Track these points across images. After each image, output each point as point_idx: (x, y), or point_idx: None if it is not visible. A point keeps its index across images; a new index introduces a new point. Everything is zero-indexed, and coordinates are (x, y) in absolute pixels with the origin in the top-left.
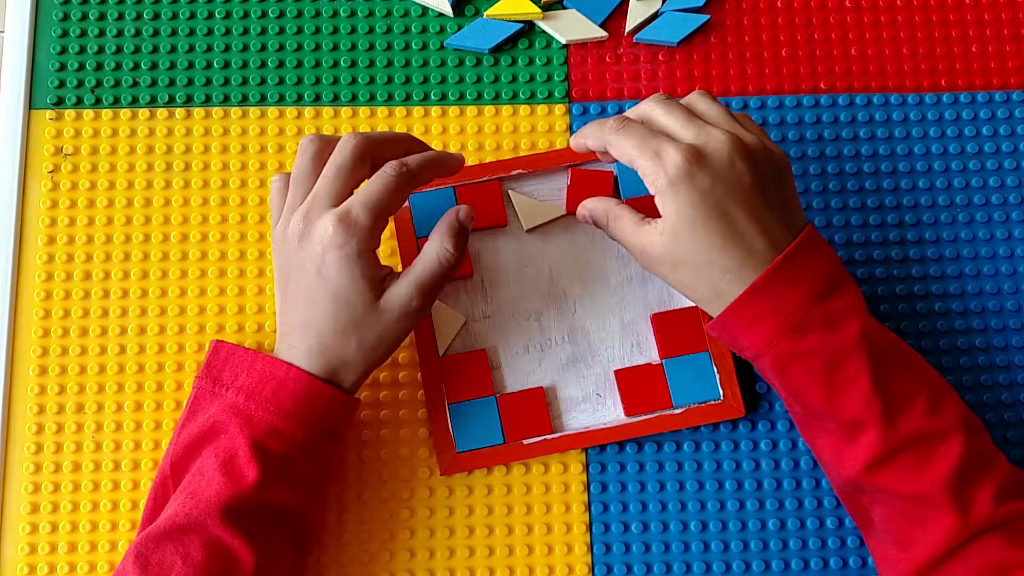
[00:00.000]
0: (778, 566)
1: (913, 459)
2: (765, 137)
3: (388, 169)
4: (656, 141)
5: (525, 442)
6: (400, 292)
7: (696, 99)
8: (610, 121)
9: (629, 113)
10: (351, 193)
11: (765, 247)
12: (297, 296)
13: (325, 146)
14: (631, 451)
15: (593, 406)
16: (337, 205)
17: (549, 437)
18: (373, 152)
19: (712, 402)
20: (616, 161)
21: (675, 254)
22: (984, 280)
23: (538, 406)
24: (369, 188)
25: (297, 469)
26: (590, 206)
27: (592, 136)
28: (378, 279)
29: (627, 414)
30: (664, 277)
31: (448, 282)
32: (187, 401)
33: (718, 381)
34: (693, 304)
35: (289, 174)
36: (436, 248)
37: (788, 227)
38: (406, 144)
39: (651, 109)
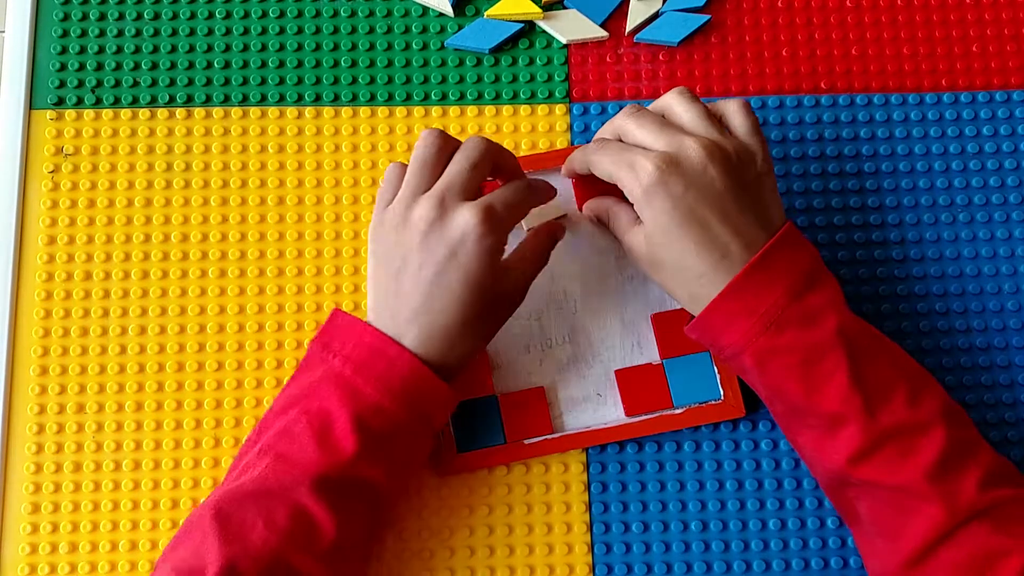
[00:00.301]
0: (779, 566)
1: (896, 450)
2: (752, 133)
3: (521, 183)
4: (630, 154)
5: (526, 442)
6: (517, 281)
7: (673, 101)
8: (591, 144)
9: (603, 130)
10: (478, 191)
11: (740, 249)
12: (418, 280)
13: (447, 142)
14: (632, 451)
15: (594, 406)
16: (469, 199)
17: (550, 437)
18: (496, 159)
19: (713, 402)
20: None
21: (654, 258)
22: (984, 280)
23: (539, 406)
24: (509, 193)
25: (392, 450)
26: (592, 206)
27: (576, 160)
28: (505, 272)
29: (628, 414)
30: (652, 278)
31: None
32: (299, 365)
33: (719, 381)
34: None
35: (405, 164)
36: (544, 248)
37: (764, 227)
38: (513, 160)
39: (624, 123)
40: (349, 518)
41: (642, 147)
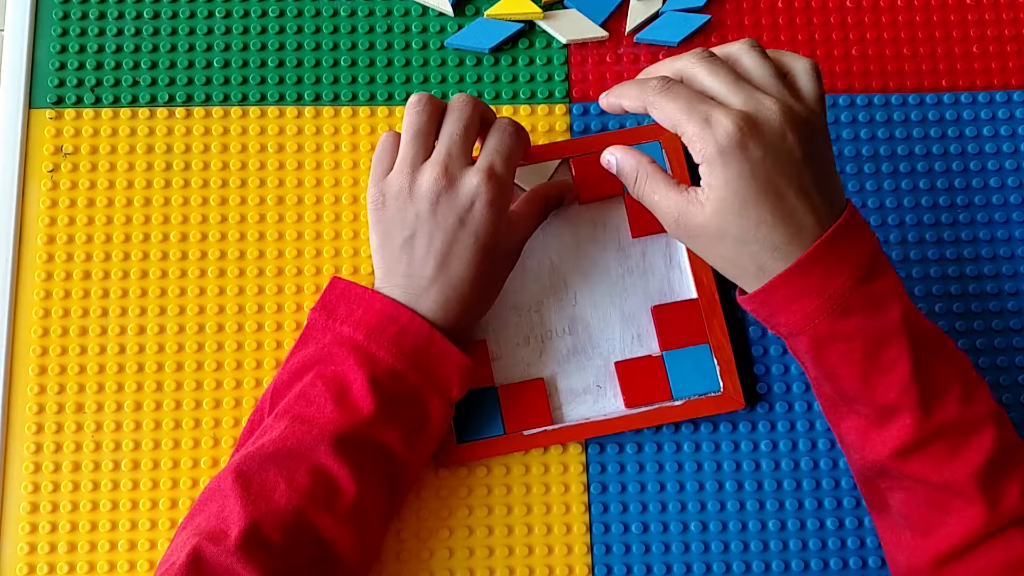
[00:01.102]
0: (778, 567)
1: (945, 448)
2: (820, 99)
3: (507, 124)
4: (705, 107)
5: (525, 433)
6: (515, 242)
7: (742, 52)
8: (652, 81)
9: (667, 71)
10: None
11: (813, 224)
12: (431, 250)
13: (437, 107)
14: (631, 451)
15: (593, 397)
16: (468, 162)
17: (549, 428)
18: (484, 113)
19: (712, 394)
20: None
21: (720, 228)
22: (984, 281)
23: (538, 397)
24: (501, 143)
25: (407, 414)
26: (619, 157)
27: (631, 96)
28: (508, 226)
29: (627, 406)
30: (699, 249)
31: None
32: (300, 335)
33: (718, 373)
34: (694, 296)
35: (398, 133)
36: (540, 213)
37: (833, 204)
38: (491, 111)
39: (693, 68)
40: (368, 479)
41: (714, 99)
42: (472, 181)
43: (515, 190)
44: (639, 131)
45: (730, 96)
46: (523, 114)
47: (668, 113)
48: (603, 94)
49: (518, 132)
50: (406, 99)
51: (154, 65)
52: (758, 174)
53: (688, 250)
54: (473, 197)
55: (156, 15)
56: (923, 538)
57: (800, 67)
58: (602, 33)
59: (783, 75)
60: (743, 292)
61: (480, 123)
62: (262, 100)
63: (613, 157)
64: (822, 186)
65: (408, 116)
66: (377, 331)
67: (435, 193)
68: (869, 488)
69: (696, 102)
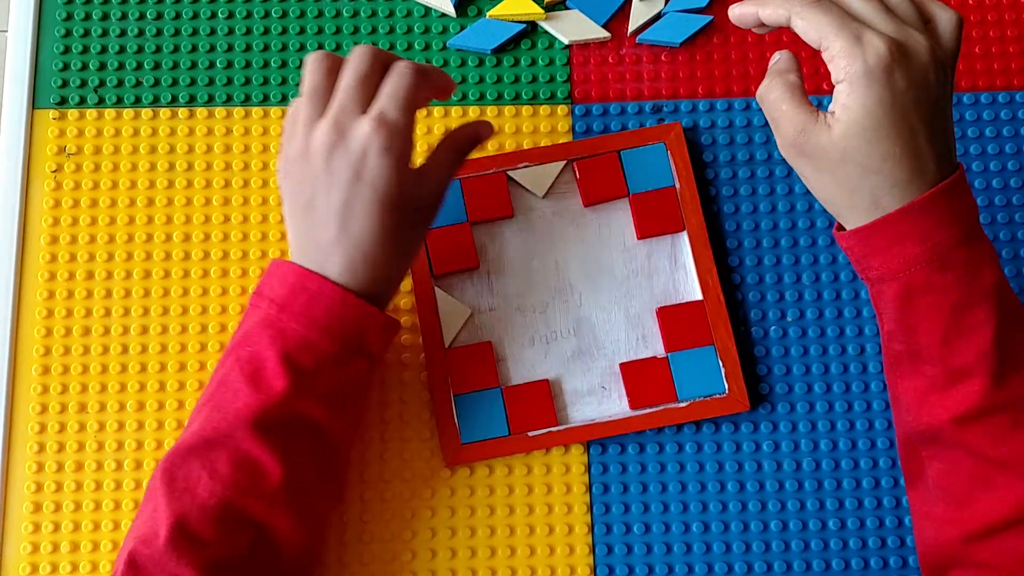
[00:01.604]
0: (780, 568)
1: (1009, 422)
2: (957, 50)
3: (403, 67)
4: (857, 25)
5: (530, 434)
6: (428, 194)
7: None
8: None
9: None
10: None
11: (934, 171)
12: (330, 210)
13: (335, 62)
14: (633, 452)
15: (598, 399)
16: (364, 112)
17: (554, 429)
18: (386, 62)
19: (717, 396)
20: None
21: (845, 152)
22: None
23: (543, 398)
24: (395, 87)
25: (328, 384)
26: (780, 55)
27: (773, 5)
28: (415, 178)
29: (632, 407)
30: (810, 172)
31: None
32: None
33: (723, 375)
34: (699, 298)
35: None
36: (452, 160)
37: (950, 158)
38: (397, 56)
39: None
40: (294, 458)
41: (863, 22)
42: (362, 131)
43: (511, 182)
44: (644, 132)
45: (881, 23)
46: (525, 115)
47: (817, 24)
48: (734, 6)
49: (416, 73)
50: None
51: (157, 66)
52: (897, 105)
53: (693, 252)
54: (365, 147)
55: (159, 16)
56: (957, 511)
57: (945, 17)
58: (604, 34)
59: (926, 21)
60: (840, 228)
61: (382, 72)
62: (265, 101)
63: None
64: (946, 136)
65: (303, 76)
66: (288, 303)
67: (327, 148)
68: (910, 456)
69: (849, 20)
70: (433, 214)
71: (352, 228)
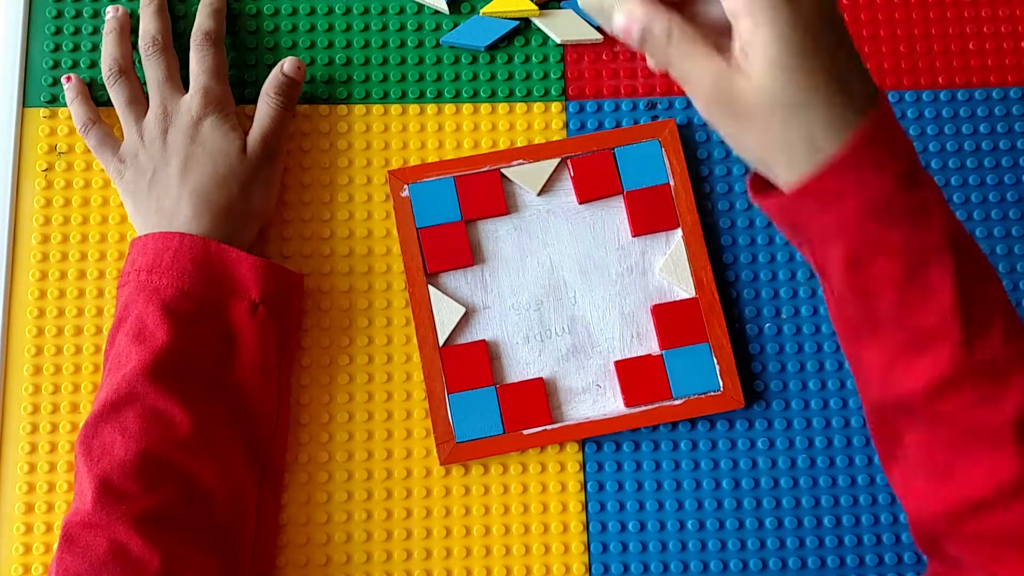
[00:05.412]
0: (775, 565)
1: (983, 388)
2: None
3: (200, 42)
4: None
5: (525, 432)
6: (253, 142)
7: None
8: None
9: None
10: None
11: (862, 92)
12: (169, 179)
13: (129, 70)
14: (628, 450)
15: (593, 397)
16: (179, 91)
17: (549, 428)
18: (165, 42)
19: (712, 393)
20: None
21: (773, 95)
22: None
23: (538, 397)
24: (205, 62)
25: (211, 326)
26: (639, 15)
27: None
28: (243, 135)
29: (627, 405)
30: (738, 131)
31: (287, 129)
32: None
33: (718, 372)
34: (694, 295)
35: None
36: (268, 105)
37: (868, 76)
38: (163, 13)
39: None
40: (198, 401)
41: None
42: (186, 105)
43: (505, 180)
44: (638, 129)
45: None
46: (519, 112)
47: None
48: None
49: (214, 45)
50: (401, 97)
51: None
52: (811, 25)
53: (687, 250)
54: (197, 115)
55: None
56: (939, 485)
57: None
58: (596, 36)
59: None
60: (758, 189)
61: (167, 54)
62: (254, 99)
63: (634, 20)
64: (859, 54)
65: (111, 94)
66: (155, 264)
67: (161, 128)
68: (883, 429)
69: None
70: (271, 162)
71: (191, 180)
